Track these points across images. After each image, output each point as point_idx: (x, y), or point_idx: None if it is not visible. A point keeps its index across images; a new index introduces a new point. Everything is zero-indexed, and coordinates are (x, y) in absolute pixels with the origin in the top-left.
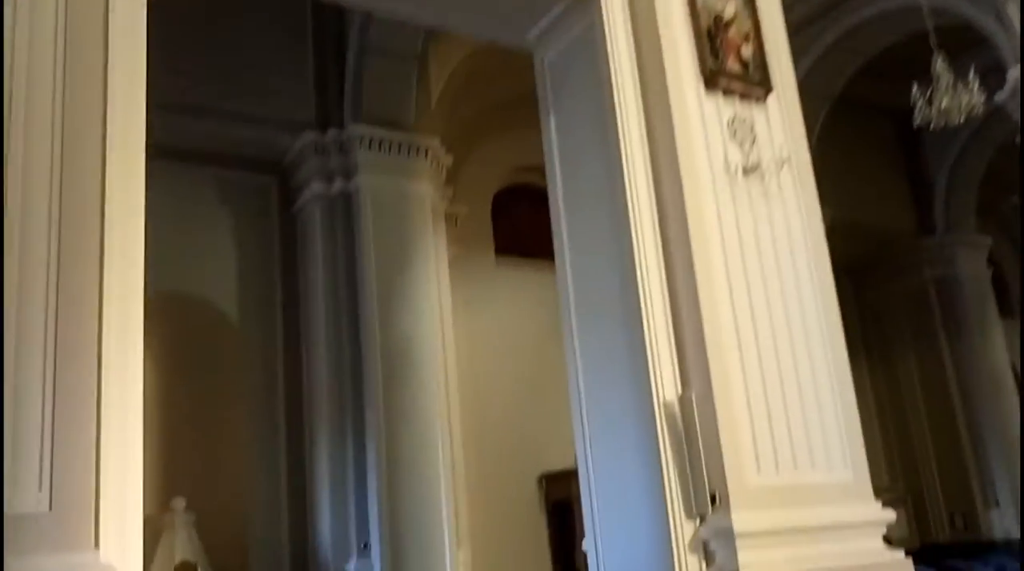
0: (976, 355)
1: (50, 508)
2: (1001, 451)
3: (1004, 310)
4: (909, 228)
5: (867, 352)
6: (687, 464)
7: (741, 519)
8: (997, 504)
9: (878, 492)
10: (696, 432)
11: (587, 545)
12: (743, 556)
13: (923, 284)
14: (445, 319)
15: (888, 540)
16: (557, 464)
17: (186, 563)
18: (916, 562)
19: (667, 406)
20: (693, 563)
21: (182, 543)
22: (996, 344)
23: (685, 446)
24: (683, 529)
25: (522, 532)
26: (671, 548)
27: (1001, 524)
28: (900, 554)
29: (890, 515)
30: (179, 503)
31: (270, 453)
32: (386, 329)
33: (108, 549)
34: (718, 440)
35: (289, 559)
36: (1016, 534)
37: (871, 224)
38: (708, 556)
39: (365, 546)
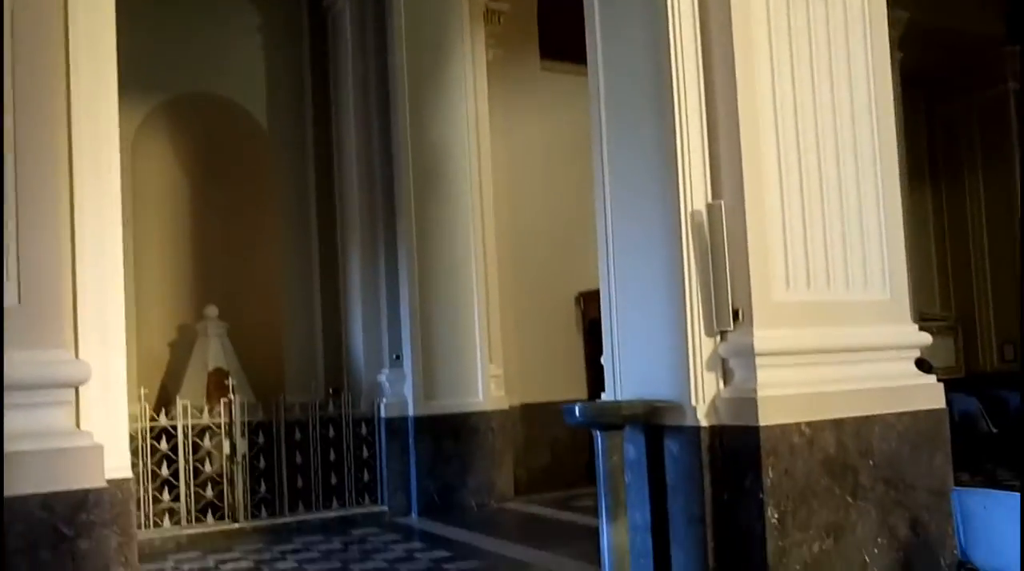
0: None
1: (19, 301)
2: None
3: None
4: (995, 35)
5: (934, 171)
6: (711, 278)
7: (763, 337)
8: None
9: (926, 319)
10: (723, 244)
11: (604, 359)
12: (763, 375)
13: (1003, 96)
14: (481, 127)
15: (928, 366)
16: (596, 283)
17: (219, 370)
18: (961, 390)
19: (694, 216)
20: (710, 381)
21: (215, 351)
22: None
23: (710, 259)
24: (702, 346)
25: (557, 348)
26: (688, 365)
27: None
28: (931, 379)
29: (924, 338)
30: (212, 311)
31: (303, 264)
32: (418, 136)
33: (87, 349)
34: (746, 252)
35: (323, 370)
36: None
37: (952, 29)
38: (726, 374)
39: (397, 357)
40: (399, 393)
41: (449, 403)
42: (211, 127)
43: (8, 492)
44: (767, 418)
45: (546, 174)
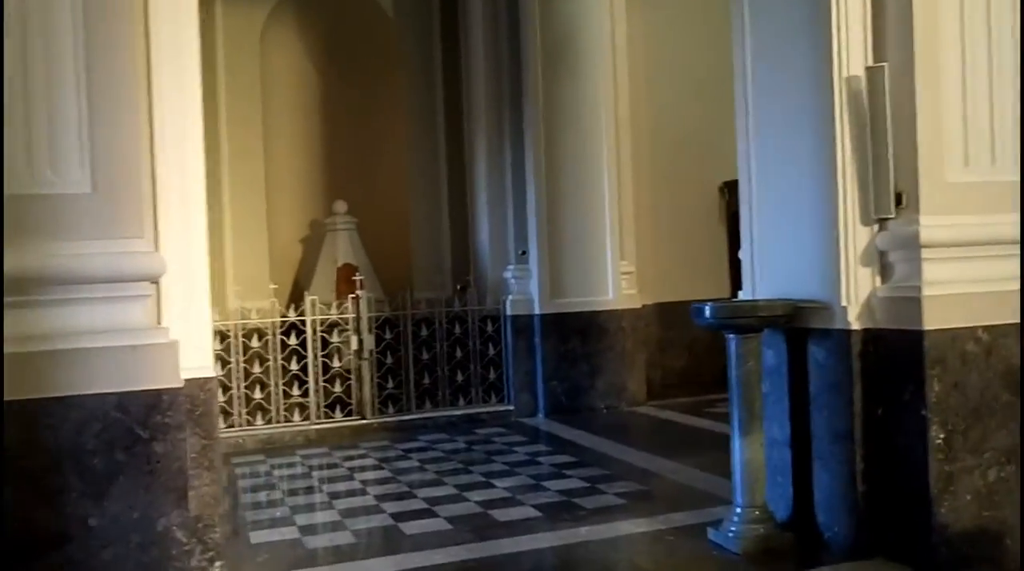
0: None
1: (92, 188)
2: None
3: None
4: None
5: None
6: (869, 155)
7: (931, 225)
8: None
9: None
10: (885, 113)
11: (743, 253)
12: (929, 271)
13: None
14: (616, 7)
15: None
16: None
17: (348, 265)
18: None
19: (851, 82)
20: (864, 277)
21: (344, 246)
22: None
23: (869, 132)
24: (856, 236)
25: (699, 244)
26: (839, 259)
27: None
28: None
29: None
30: (341, 206)
31: (430, 157)
32: (547, 10)
33: (167, 240)
34: (913, 123)
35: (450, 265)
36: None
37: None
38: (884, 270)
39: (523, 253)
40: (525, 290)
41: (577, 301)
42: (338, 16)
43: (85, 390)
44: (933, 321)
45: (689, 50)
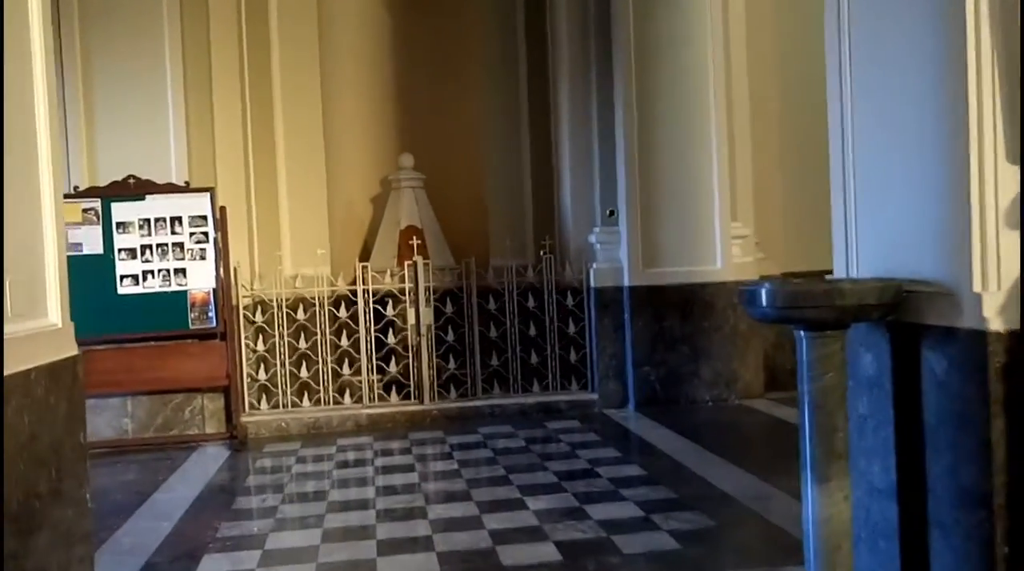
0: None
1: None
2: None
3: None
4: None
5: None
6: (1009, 59)
7: None
8: None
9: None
10: None
11: (834, 215)
12: None
13: None
14: None
15: None
16: None
17: (412, 228)
18: None
19: None
20: (1011, 247)
21: (408, 206)
22: None
23: (1020, 24)
24: (997, 186)
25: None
26: (969, 217)
27: None
28: None
29: None
30: (406, 160)
31: (510, 105)
32: None
33: None
34: None
35: (532, 229)
36: None
37: None
38: None
39: (611, 213)
40: (613, 258)
41: (676, 270)
42: None
43: None
44: None
45: None
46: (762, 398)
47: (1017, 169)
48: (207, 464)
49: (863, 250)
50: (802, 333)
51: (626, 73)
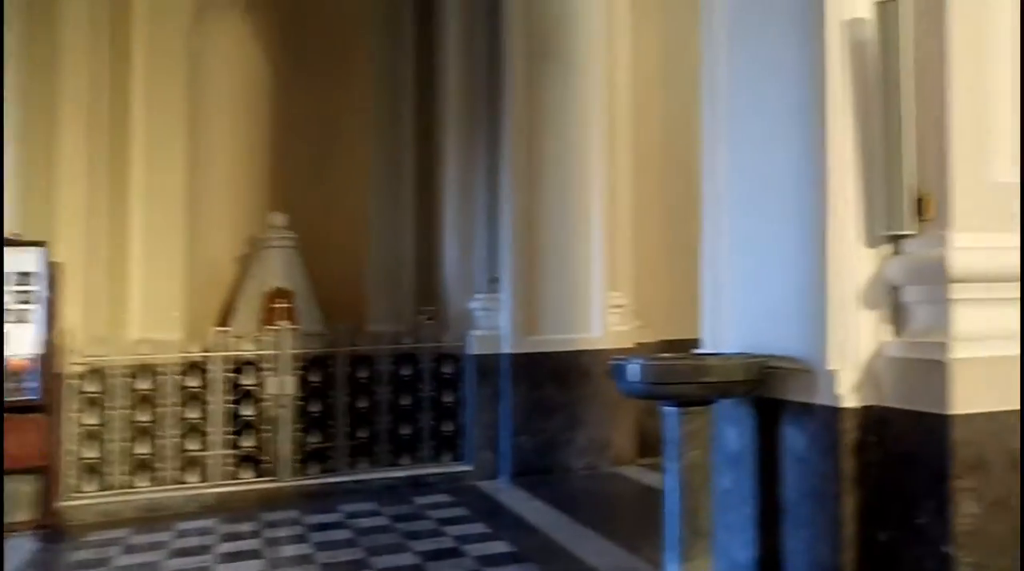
0: None
1: None
2: None
3: None
4: None
5: None
6: (877, 138)
7: (968, 246)
8: None
9: None
10: (900, 71)
11: (703, 291)
12: (962, 319)
13: None
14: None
15: None
16: None
17: (280, 290)
18: None
19: (852, 28)
20: (866, 326)
21: (278, 266)
22: None
23: (879, 100)
24: (854, 263)
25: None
26: (825, 297)
27: None
28: None
29: None
30: (277, 219)
31: (394, 166)
32: (533, 5)
33: None
34: (942, 87)
35: (413, 295)
36: None
37: None
38: (898, 315)
39: (493, 280)
40: (493, 325)
41: (555, 338)
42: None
43: None
44: (966, 400)
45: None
46: (633, 464)
47: (874, 251)
48: (9, 560)
49: (730, 324)
50: (670, 408)
51: (514, 140)
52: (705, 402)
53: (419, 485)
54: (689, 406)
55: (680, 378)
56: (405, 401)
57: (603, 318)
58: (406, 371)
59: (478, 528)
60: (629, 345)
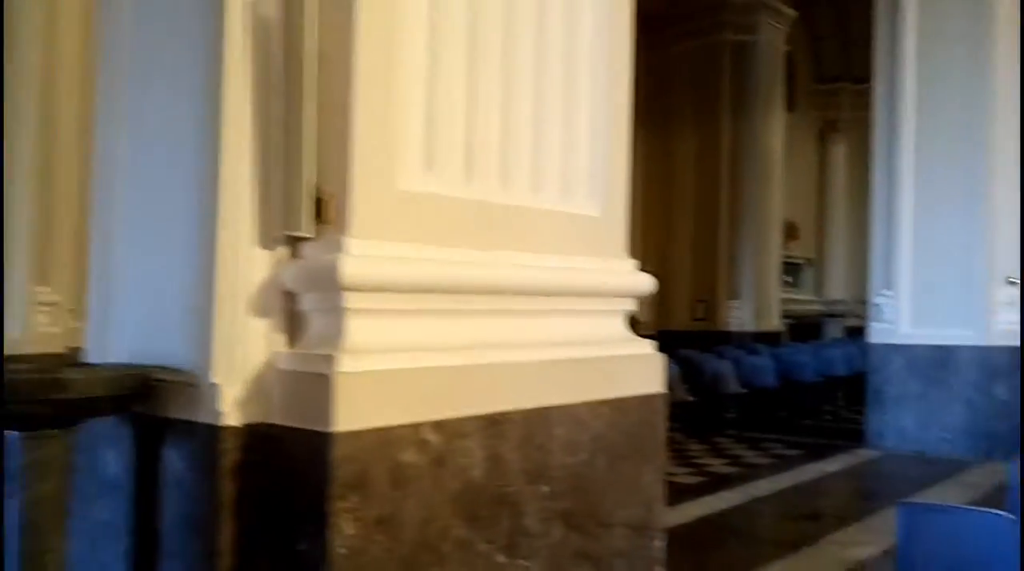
0: (755, 137)
1: None
2: (754, 241)
3: (790, 106)
4: None
5: (645, 122)
6: (274, 132)
7: (363, 254)
8: (737, 297)
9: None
10: (304, 68)
11: (91, 292)
12: (354, 331)
13: (719, 47)
14: None
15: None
16: None
17: None
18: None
19: (256, 24)
20: (255, 335)
21: None
22: (775, 131)
23: (282, 97)
24: (246, 265)
25: None
26: (211, 301)
27: (738, 316)
28: (647, 346)
29: (646, 282)
30: None
31: None
32: None
33: None
34: (349, 82)
35: None
36: (751, 327)
37: None
38: (295, 324)
39: None
40: None
41: None
42: None
43: None
44: (351, 416)
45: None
46: None
47: (269, 253)
48: None
49: (121, 330)
50: (9, 434)
51: None
52: (63, 424)
53: None
54: (39, 429)
55: (21, 396)
56: None
57: (28, 317)
58: None
59: None
60: (59, 349)
